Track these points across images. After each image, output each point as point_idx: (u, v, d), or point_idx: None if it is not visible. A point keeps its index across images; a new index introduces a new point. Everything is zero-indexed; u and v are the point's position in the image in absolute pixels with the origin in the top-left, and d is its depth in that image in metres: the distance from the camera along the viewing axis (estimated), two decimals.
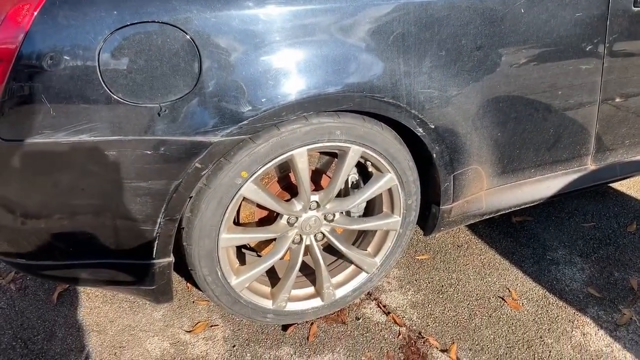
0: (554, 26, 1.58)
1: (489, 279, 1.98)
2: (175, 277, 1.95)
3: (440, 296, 1.89)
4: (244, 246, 1.80)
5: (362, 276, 1.76)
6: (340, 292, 1.74)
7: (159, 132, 1.24)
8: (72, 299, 1.87)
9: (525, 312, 1.82)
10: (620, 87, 1.81)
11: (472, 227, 2.27)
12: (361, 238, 1.83)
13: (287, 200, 1.60)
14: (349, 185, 1.76)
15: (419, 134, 1.52)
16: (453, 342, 1.70)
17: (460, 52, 1.48)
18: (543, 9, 1.55)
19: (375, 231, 1.76)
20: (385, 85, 1.40)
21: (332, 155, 1.70)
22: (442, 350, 1.67)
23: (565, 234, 2.23)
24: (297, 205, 1.56)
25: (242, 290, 1.59)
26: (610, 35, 1.68)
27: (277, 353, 1.66)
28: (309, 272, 1.77)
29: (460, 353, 1.67)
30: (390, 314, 1.81)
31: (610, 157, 1.98)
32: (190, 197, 1.39)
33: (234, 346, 1.69)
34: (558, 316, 1.80)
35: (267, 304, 1.65)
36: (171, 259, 1.45)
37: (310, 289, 1.74)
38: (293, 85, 1.30)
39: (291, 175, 1.65)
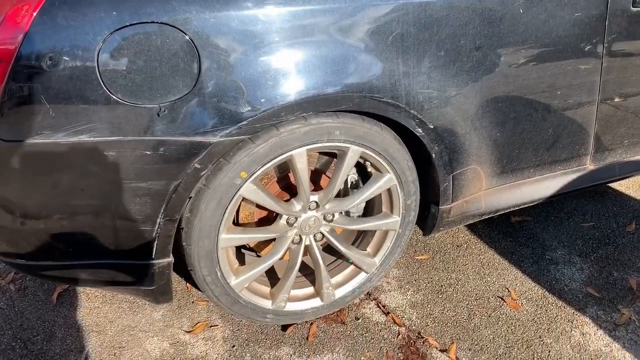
0: (553, 26, 1.58)
1: (488, 279, 1.98)
2: (175, 277, 1.96)
3: (440, 296, 1.90)
4: (244, 246, 1.80)
5: (362, 276, 1.77)
6: (339, 292, 1.75)
7: (158, 132, 1.24)
8: (72, 299, 1.88)
9: (525, 312, 1.82)
10: (619, 87, 1.81)
11: (472, 227, 2.27)
12: (360, 238, 1.84)
13: (287, 201, 1.60)
14: (349, 186, 1.76)
15: (418, 134, 1.52)
16: (452, 342, 1.70)
17: (459, 52, 1.48)
18: (542, 9, 1.55)
19: (375, 231, 1.76)
20: (385, 85, 1.40)
21: (332, 155, 1.71)
22: (442, 350, 1.67)
23: (565, 234, 2.23)
24: (297, 205, 1.57)
25: (242, 291, 1.59)
26: (609, 35, 1.69)
27: (276, 353, 1.66)
28: (308, 272, 1.77)
29: (459, 353, 1.67)
30: (390, 314, 1.81)
31: (609, 157, 1.98)
32: (190, 198, 1.39)
33: (233, 346, 1.69)
34: (557, 316, 1.81)
35: (267, 304, 1.65)
36: (170, 259, 1.45)
37: (310, 289, 1.75)
38: (292, 86, 1.30)
39: (290, 175, 1.65)
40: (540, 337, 1.72)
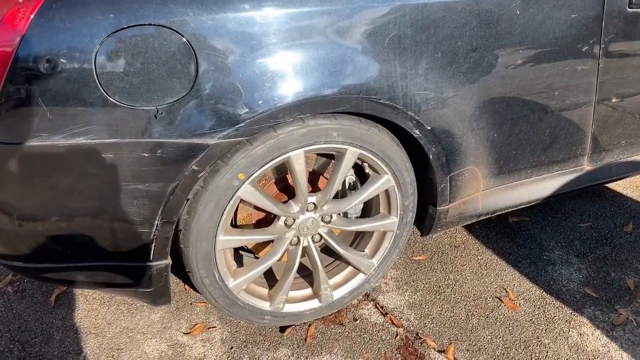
0: (550, 27, 1.59)
1: (486, 280, 1.98)
2: (173, 279, 1.96)
3: (438, 297, 1.90)
4: (242, 248, 1.80)
5: (360, 277, 1.77)
6: (337, 294, 1.75)
7: (156, 134, 1.24)
8: (70, 301, 1.87)
9: (522, 313, 1.82)
10: (616, 87, 1.82)
11: (469, 228, 2.28)
12: (358, 239, 1.84)
13: (285, 202, 1.60)
14: (346, 187, 1.76)
15: (415, 136, 1.53)
16: (450, 343, 1.70)
17: (456, 53, 1.48)
18: (538, 11, 1.55)
19: (373, 232, 1.76)
20: (382, 87, 1.41)
21: (329, 156, 1.71)
22: (440, 351, 1.68)
23: (562, 235, 2.24)
24: (295, 206, 1.57)
25: (240, 292, 1.59)
26: (606, 36, 1.69)
27: (274, 355, 1.66)
28: (306, 274, 1.78)
29: (457, 354, 1.67)
30: (388, 315, 1.81)
31: (606, 157, 1.99)
32: (188, 199, 1.39)
33: (231, 348, 1.69)
34: (555, 316, 1.81)
35: (265, 305, 1.65)
36: (168, 261, 1.45)
37: (308, 291, 1.75)
38: (290, 87, 1.30)
39: (288, 177, 1.65)
40: (538, 338, 1.72)
